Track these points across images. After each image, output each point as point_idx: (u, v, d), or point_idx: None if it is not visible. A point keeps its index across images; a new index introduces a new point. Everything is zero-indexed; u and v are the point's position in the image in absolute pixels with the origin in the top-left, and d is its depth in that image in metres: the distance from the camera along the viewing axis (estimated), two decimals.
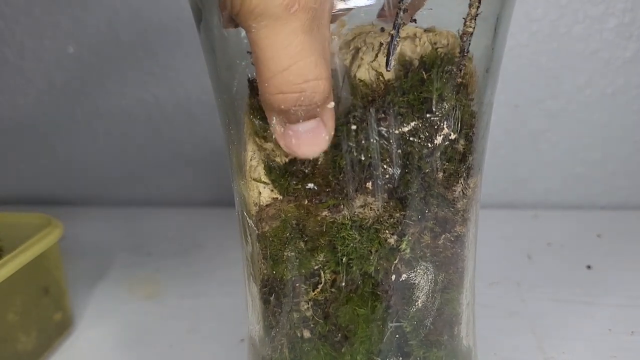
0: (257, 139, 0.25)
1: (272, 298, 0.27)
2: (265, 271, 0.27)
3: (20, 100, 0.67)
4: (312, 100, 0.20)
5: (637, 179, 0.62)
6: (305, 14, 0.18)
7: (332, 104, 0.21)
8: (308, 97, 0.19)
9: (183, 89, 0.63)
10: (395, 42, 0.22)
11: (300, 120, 0.20)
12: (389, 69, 0.22)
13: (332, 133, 0.22)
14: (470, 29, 0.22)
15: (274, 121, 0.21)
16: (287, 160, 0.24)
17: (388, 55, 0.22)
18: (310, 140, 0.21)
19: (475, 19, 0.22)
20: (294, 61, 0.19)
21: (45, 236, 0.39)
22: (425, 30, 0.24)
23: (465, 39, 0.22)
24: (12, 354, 0.38)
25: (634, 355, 0.38)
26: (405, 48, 0.23)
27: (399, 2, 0.21)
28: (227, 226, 0.58)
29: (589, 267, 0.50)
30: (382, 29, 0.23)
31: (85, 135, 0.68)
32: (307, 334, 0.26)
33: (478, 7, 0.22)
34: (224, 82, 0.25)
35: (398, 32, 0.22)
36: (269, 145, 0.24)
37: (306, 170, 0.24)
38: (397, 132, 0.23)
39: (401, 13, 0.21)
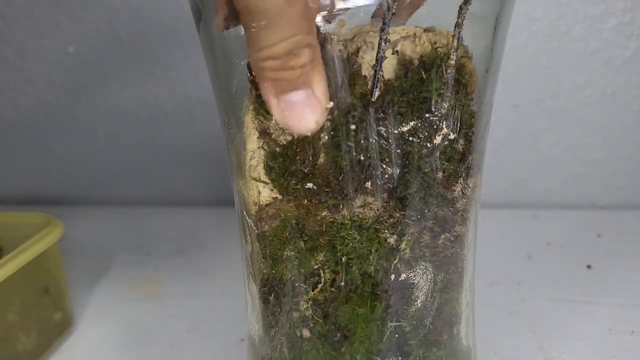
0: (259, 117, 0.24)
1: (271, 297, 0.27)
2: (264, 271, 0.27)
3: (20, 100, 0.67)
4: (298, 62, 0.21)
5: (637, 179, 0.62)
6: (304, 4, 0.20)
7: (323, 78, 0.22)
8: (293, 60, 0.21)
9: (183, 89, 0.63)
10: (379, 76, 0.23)
11: (292, 90, 0.21)
12: (373, 98, 0.23)
13: (327, 107, 0.22)
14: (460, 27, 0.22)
15: (268, 93, 0.22)
16: (289, 140, 0.24)
17: (372, 86, 0.23)
18: (303, 111, 0.22)
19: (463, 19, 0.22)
20: (283, 39, 0.20)
21: (45, 236, 0.39)
22: (425, 30, 0.24)
23: (455, 35, 0.22)
24: (12, 354, 0.38)
25: (634, 355, 0.38)
26: (405, 47, 0.23)
27: (384, 28, 0.22)
28: (227, 226, 0.58)
29: (589, 267, 0.50)
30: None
31: (85, 135, 0.68)
32: (306, 333, 0.26)
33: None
34: (223, 82, 0.25)
35: (381, 64, 0.22)
36: (270, 124, 0.24)
37: (306, 170, 0.24)
38: (396, 131, 0.23)
39: (383, 44, 0.22)
